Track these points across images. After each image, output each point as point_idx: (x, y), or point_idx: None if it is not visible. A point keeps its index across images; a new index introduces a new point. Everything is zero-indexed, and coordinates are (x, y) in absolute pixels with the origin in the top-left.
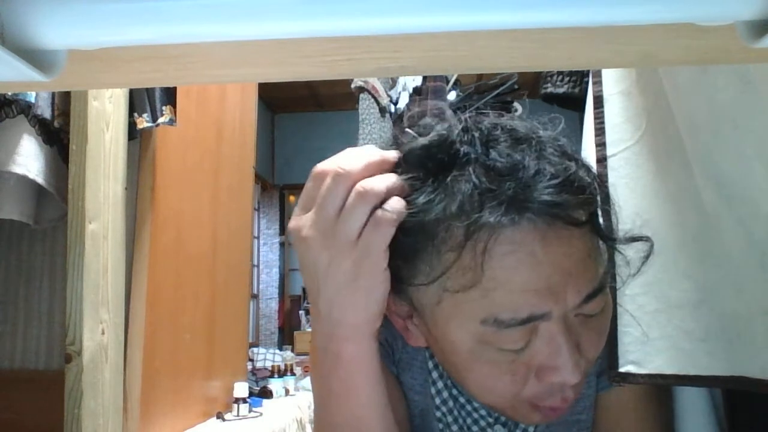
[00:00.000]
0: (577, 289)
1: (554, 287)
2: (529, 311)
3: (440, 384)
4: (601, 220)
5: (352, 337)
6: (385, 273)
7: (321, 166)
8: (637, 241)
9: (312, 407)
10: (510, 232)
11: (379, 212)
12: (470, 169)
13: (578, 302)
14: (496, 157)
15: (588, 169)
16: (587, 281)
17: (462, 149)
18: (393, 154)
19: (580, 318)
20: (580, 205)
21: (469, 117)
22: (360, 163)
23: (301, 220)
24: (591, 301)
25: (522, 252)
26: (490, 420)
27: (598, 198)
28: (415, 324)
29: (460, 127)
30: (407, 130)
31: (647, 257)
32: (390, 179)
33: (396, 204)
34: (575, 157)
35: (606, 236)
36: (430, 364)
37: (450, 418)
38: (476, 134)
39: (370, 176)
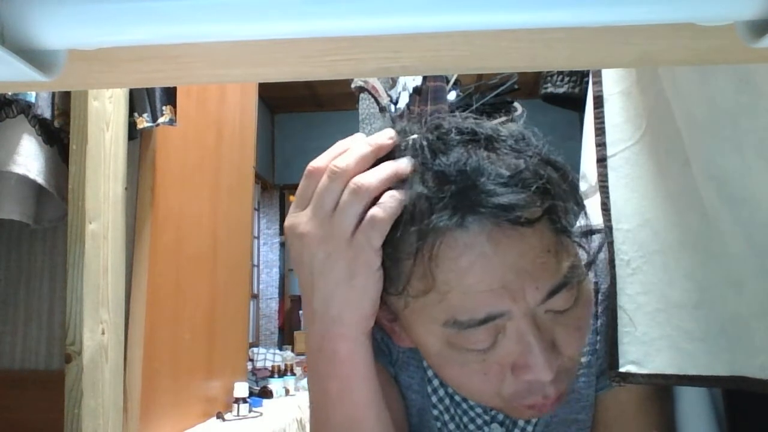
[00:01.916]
0: (535, 286)
1: (510, 286)
2: (486, 311)
3: (436, 382)
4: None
5: (347, 335)
6: (378, 272)
7: (315, 164)
8: (595, 233)
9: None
10: (458, 234)
11: (372, 210)
12: (418, 176)
13: (540, 299)
14: (443, 161)
15: (548, 162)
16: (547, 277)
17: (412, 154)
18: (384, 139)
19: (552, 314)
20: (529, 204)
21: (430, 121)
22: (353, 159)
23: (297, 218)
24: (556, 296)
25: (472, 254)
26: (487, 418)
27: (559, 189)
28: (399, 325)
29: (413, 135)
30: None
31: (600, 249)
32: (383, 172)
33: (389, 201)
34: (532, 153)
35: (562, 230)
36: (426, 363)
37: (447, 416)
38: (425, 142)
39: (365, 170)
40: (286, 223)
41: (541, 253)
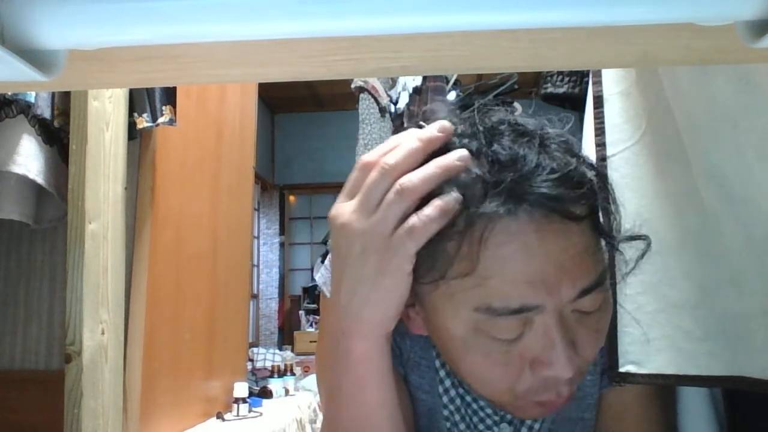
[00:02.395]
0: (572, 284)
1: (548, 280)
2: (522, 302)
3: (448, 382)
4: (602, 217)
5: (365, 334)
6: (408, 277)
7: (367, 158)
8: (636, 240)
9: (312, 407)
10: (507, 222)
11: (412, 219)
12: (473, 160)
13: (573, 297)
14: (498, 149)
15: (591, 166)
16: (583, 276)
17: (464, 141)
18: (434, 132)
19: (577, 315)
20: (578, 200)
21: (477, 111)
22: (402, 156)
23: (342, 207)
24: (587, 296)
25: (517, 243)
26: (496, 418)
27: (601, 195)
28: (416, 312)
29: (465, 119)
30: (406, 125)
31: (642, 256)
32: (429, 171)
33: (431, 212)
34: (579, 155)
35: (605, 233)
36: (438, 363)
37: (457, 417)
38: (481, 127)
39: (415, 166)
40: (331, 211)
41: (581, 252)
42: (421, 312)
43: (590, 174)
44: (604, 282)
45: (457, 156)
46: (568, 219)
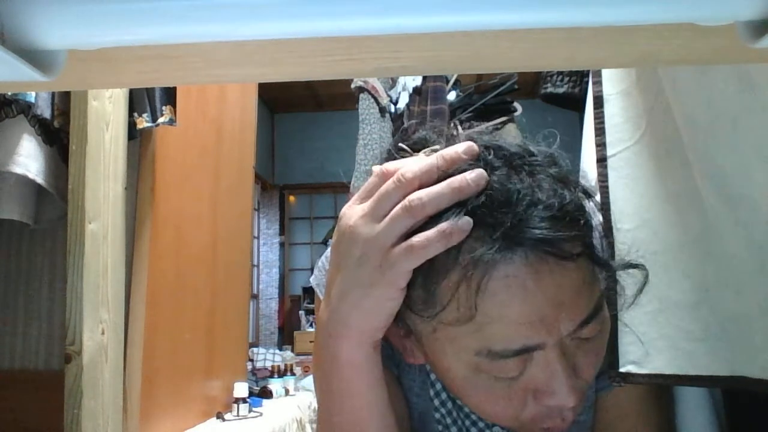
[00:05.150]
0: (570, 318)
1: (547, 319)
2: (522, 343)
3: (439, 386)
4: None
5: (352, 340)
6: (400, 292)
7: (387, 166)
8: (634, 268)
9: (312, 407)
10: (503, 267)
11: (414, 238)
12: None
13: (572, 329)
14: (492, 183)
15: (585, 191)
16: (581, 309)
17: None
18: (457, 152)
19: (577, 341)
20: (573, 240)
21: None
22: (420, 170)
23: (352, 210)
24: (586, 326)
25: (514, 287)
26: (488, 422)
27: (595, 224)
28: (413, 343)
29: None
30: (401, 145)
31: (641, 289)
32: (440, 191)
33: (434, 236)
34: (569, 179)
35: (603, 264)
36: (428, 367)
37: (449, 420)
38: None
39: (430, 183)
40: (343, 210)
41: (579, 286)
42: (419, 346)
43: (584, 203)
44: (602, 308)
45: (471, 177)
46: (564, 259)
